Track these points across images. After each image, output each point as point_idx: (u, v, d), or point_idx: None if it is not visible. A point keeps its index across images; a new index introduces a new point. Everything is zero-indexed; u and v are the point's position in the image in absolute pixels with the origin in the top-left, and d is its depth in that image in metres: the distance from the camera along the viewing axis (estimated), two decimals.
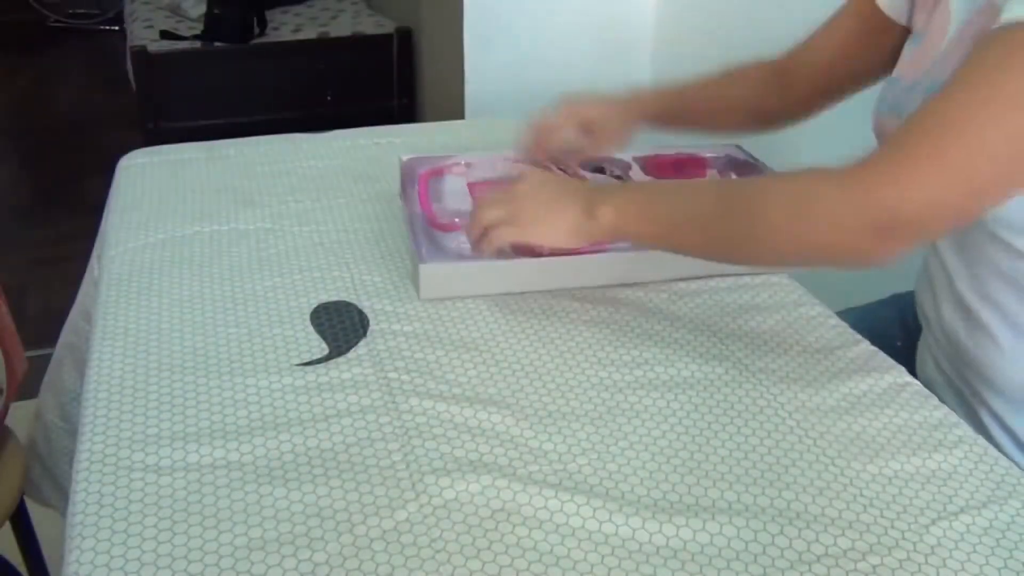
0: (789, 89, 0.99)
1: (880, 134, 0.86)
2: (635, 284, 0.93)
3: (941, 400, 0.86)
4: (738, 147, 1.10)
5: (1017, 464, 0.73)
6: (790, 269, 0.95)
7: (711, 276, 0.94)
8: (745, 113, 1.02)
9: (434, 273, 0.89)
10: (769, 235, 0.73)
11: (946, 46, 0.79)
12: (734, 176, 1.05)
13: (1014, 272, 0.75)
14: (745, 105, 1.02)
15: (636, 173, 1.03)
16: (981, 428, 0.81)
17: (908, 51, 0.85)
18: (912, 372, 0.87)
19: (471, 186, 1.00)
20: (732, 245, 0.77)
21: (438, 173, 1.02)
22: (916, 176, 0.66)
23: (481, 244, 0.84)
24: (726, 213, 0.75)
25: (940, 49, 0.79)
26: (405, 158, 1.06)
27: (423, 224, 0.95)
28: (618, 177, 1.03)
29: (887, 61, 0.87)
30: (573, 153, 1.01)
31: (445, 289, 0.90)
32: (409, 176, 1.04)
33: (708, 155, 1.07)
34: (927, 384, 0.89)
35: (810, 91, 0.98)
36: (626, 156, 1.06)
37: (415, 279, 0.91)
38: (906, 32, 0.87)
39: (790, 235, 0.72)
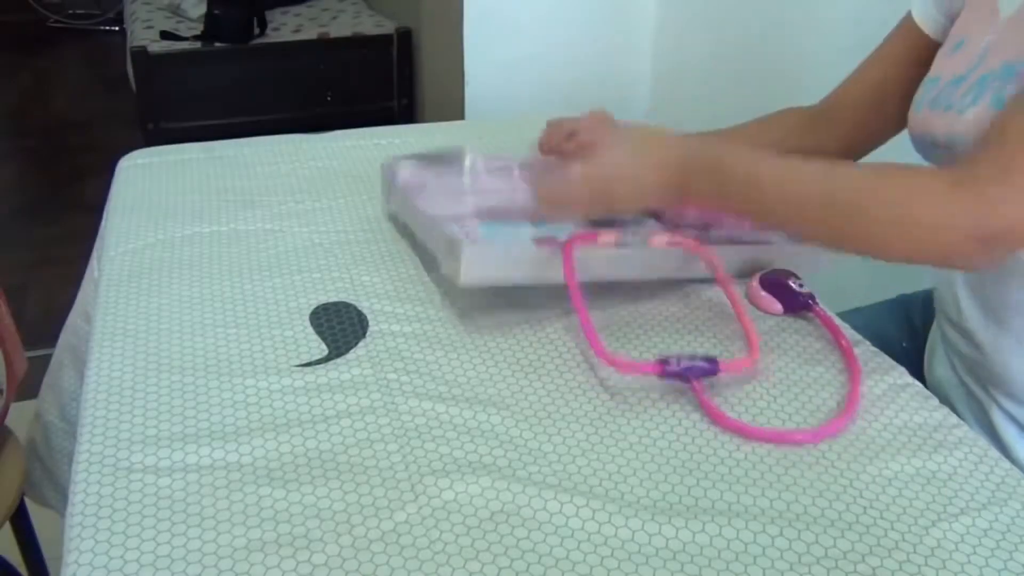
0: (829, 132, 0.96)
1: (923, 132, 0.84)
2: (635, 285, 0.93)
3: (951, 401, 0.86)
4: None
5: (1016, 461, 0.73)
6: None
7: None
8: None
9: (478, 255, 0.81)
10: (874, 233, 0.72)
11: (994, 39, 0.78)
12: None
13: None
14: (783, 148, 0.96)
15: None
16: (992, 430, 0.81)
17: (946, 54, 0.85)
18: (917, 373, 0.87)
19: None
20: (833, 235, 0.75)
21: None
22: (1019, 185, 0.66)
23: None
24: (829, 204, 0.73)
25: (986, 43, 0.79)
26: (391, 162, 1.00)
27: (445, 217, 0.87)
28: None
29: None
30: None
31: (486, 274, 0.83)
32: (392, 177, 0.99)
33: None
34: (937, 384, 0.89)
35: (854, 131, 0.95)
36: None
37: (449, 266, 0.83)
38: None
39: (896, 236, 0.71)
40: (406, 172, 0.99)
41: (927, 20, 0.90)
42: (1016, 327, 0.79)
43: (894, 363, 0.83)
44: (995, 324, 0.80)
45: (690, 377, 0.76)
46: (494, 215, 0.90)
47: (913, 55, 0.91)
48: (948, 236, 0.68)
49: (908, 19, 0.92)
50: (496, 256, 0.84)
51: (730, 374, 0.77)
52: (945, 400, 0.87)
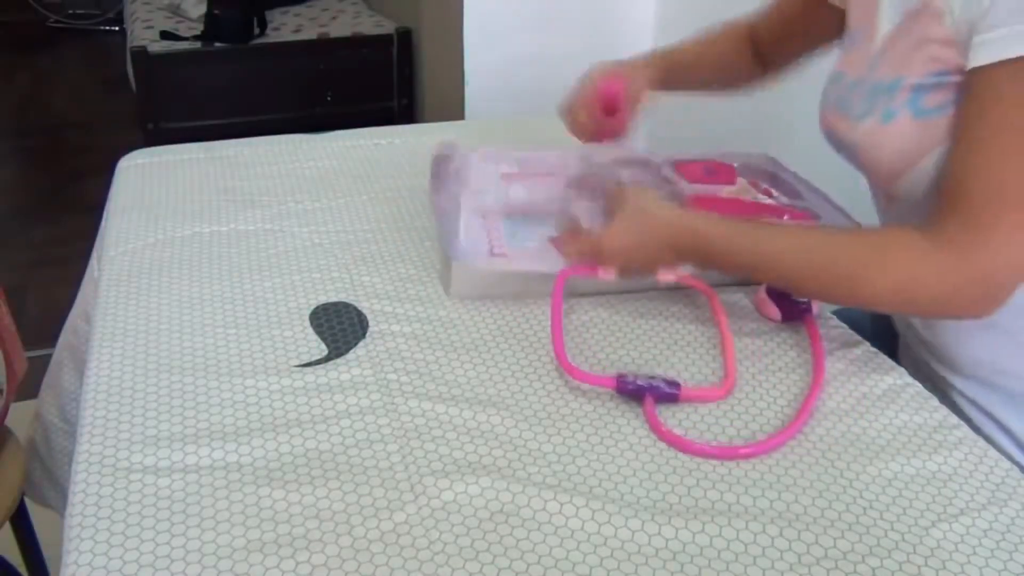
0: (756, 52, 1.07)
1: (829, 130, 0.87)
2: (666, 292, 0.92)
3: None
4: (768, 157, 1.06)
5: (990, 437, 0.76)
6: None
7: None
8: (728, 72, 1.10)
9: (467, 271, 0.87)
10: (870, 301, 0.77)
11: (881, 45, 0.80)
12: (766, 186, 1.01)
13: None
14: (727, 65, 1.09)
15: (668, 172, 1.00)
16: (958, 412, 0.82)
17: (847, 47, 0.87)
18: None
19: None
20: (818, 296, 0.84)
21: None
22: (1003, 239, 0.68)
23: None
24: (818, 276, 0.76)
25: (875, 48, 0.81)
26: (438, 149, 1.02)
27: (456, 222, 0.91)
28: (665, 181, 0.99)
29: (832, 35, 0.93)
30: (603, 143, 1.02)
31: (475, 288, 0.89)
32: (442, 166, 1.00)
33: (736, 164, 1.04)
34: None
35: (771, 56, 1.06)
36: (656, 158, 1.03)
37: (444, 276, 0.90)
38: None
39: (893, 305, 0.79)
40: (454, 161, 1.01)
41: None
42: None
43: (894, 364, 0.83)
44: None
45: (644, 395, 0.75)
46: (520, 210, 0.95)
47: (810, 13, 0.97)
48: (945, 303, 0.72)
49: None
50: (482, 275, 0.89)
51: (692, 402, 0.77)
52: None
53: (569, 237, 0.87)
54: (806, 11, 0.97)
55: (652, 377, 0.77)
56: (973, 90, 0.70)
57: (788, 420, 0.75)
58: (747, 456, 0.71)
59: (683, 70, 1.08)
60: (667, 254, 0.82)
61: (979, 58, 0.68)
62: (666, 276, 0.85)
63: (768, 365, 0.82)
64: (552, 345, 0.82)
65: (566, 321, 0.87)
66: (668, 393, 0.76)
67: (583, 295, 0.91)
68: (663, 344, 0.85)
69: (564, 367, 0.79)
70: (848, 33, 0.88)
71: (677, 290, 0.92)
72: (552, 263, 0.87)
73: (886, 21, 0.80)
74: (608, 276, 0.85)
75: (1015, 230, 0.68)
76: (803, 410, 0.75)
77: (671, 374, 0.80)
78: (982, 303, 0.71)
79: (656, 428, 0.73)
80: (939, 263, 0.70)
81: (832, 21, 0.92)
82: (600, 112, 1.00)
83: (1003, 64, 0.67)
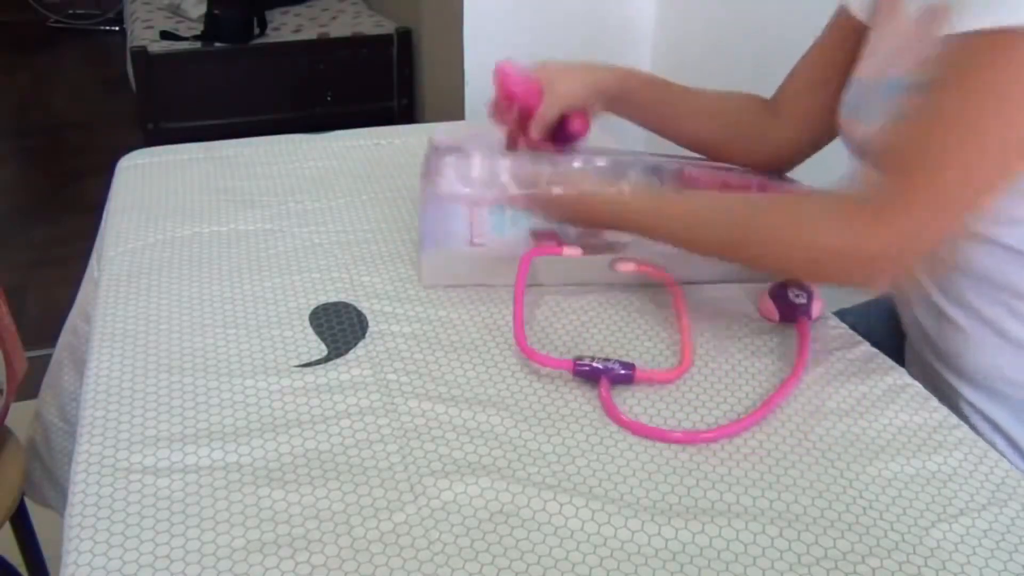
0: (776, 122, 0.96)
1: (847, 137, 0.86)
2: (634, 286, 0.93)
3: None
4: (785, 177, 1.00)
5: (994, 445, 0.75)
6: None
7: (714, 282, 0.94)
8: (730, 129, 0.98)
9: (435, 259, 0.90)
10: (769, 260, 0.76)
11: (900, 43, 0.79)
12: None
13: (972, 261, 0.77)
14: (731, 119, 0.98)
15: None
16: (966, 421, 0.82)
17: (865, 54, 0.86)
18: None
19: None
20: (736, 259, 0.79)
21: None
22: (924, 210, 0.68)
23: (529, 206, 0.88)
24: (731, 232, 0.76)
25: (892, 48, 0.80)
26: (435, 141, 0.99)
27: (435, 210, 0.91)
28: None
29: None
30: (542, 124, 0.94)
31: (445, 276, 0.91)
32: (436, 156, 0.97)
33: (753, 179, 0.97)
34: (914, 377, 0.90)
35: (797, 122, 0.94)
36: (669, 164, 0.98)
37: (419, 262, 0.92)
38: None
39: (800, 260, 0.74)
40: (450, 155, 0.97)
41: (857, 3, 0.88)
42: (958, 316, 0.80)
43: (894, 364, 0.83)
44: (938, 316, 0.82)
45: (599, 378, 0.77)
46: (509, 201, 0.93)
47: (848, 43, 0.88)
48: (849, 261, 0.70)
49: (840, 5, 0.90)
50: (452, 262, 0.91)
51: (648, 383, 0.78)
52: None
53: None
54: (843, 44, 0.89)
55: (608, 360, 0.78)
56: (929, 59, 0.69)
57: (750, 410, 0.75)
58: (692, 441, 0.72)
59: (666, 100, 0.99)
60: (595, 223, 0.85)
61: (940, 29, 0.68)
62: (626, 267, 0.88)
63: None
64: (513, 328, 0.83)
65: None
66: (623, 375, 0.77)
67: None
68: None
69: (523, 350, 0.80)
70: (867, 41, 0.86)
71: (645, 285, 0.92)
72: (519, 249, 0.87)
73: (904, 20, 0.79)
74: (573, 253, 0.87)
75: (939, 203, 0.67)
76: (767, 403, 0.75)
77: (631, 359, 0.80)
78: (889, 272, 0.71)
79: (611, 411, 0.74)
80: (859, 221, 0.69)
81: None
82: (514, 116, 0.94)
83: (951, 37, 0.66)
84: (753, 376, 0.80)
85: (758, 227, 0.75)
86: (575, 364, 0.78)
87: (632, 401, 0.76)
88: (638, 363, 0.79)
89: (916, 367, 0.88)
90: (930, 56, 0.70)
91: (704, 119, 0.99)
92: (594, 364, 0.78)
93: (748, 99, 0.99)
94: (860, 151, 0.84)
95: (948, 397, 0.84)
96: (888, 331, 0.97)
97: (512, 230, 0.91)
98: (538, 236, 0.89)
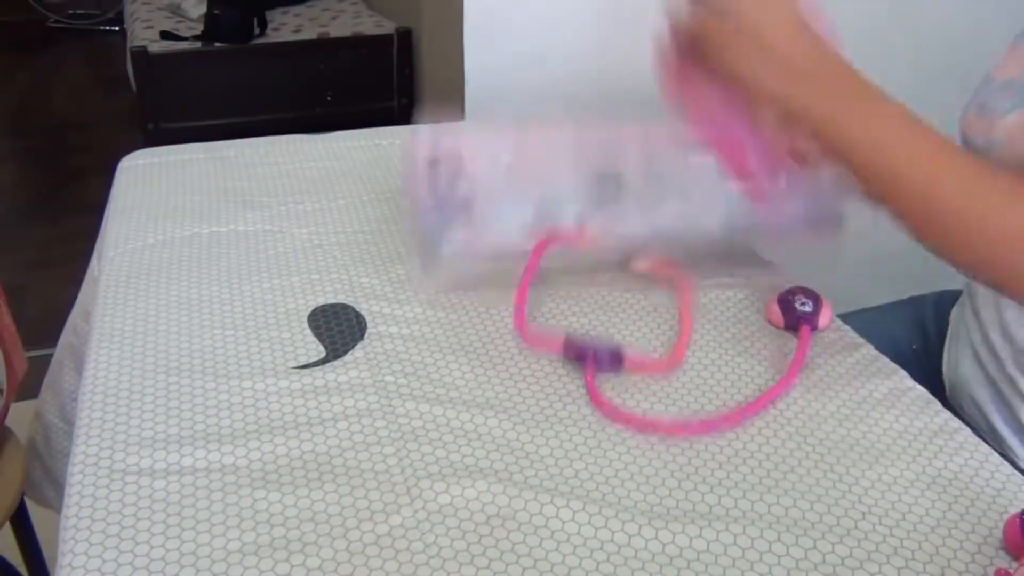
0: None
1: (963, 135, 0.83)
2: (644, 283, 0.92)
3: (977, 400, 0.86)
4: None
5: None
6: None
7: (724, 285, 0.93)
8: None
9: (441, 269, 0.88)
10: (953, 240, 0.64)
11: None
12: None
13: None
14: None
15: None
16: (1019, 427, 0.81)
17: (1005, 55, 0.83)
18: (928, 375, 0.86)
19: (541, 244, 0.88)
20: (913, 228, 0.66)
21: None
22: None
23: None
24: (943, 208, 0.64)
25: None
26: (413, 139, 0.94)
27: (436, 219, 0.89)
28: None
29: None
30: None
31: (450, 285, 0.90)
32: (415, 161, 0.93)
33: None
34: (960, 382, 0.89)
35: None
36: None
37: (427, 267, 0.90)
38: None
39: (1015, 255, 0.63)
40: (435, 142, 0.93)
41: None
42: None
43: (896, 367, 0.82)
44: None
45: (586, 359, 0.78)
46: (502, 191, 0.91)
47: None
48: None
49: None
50: (459, 271, 0.89)
51: (638, 372, 0.79)
52: (970, 399, 0.87)
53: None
54: None
55: (599, 343, 0.79)
56: None
57: (730, 409, 0.76)
58: (676, 432, 0.72)
59: None
60: (795, 62, 0.64)
61: None
62: (641, 266, 0.87)
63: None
64: (514, 308, 0.84)
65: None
66: (610, 359, 0.78)
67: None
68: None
69: (518, 327, 0.82)
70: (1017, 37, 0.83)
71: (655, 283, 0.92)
72: (529, 241, 0.86)
73: None
74: (590, 246, 0.86)
75: None
76: (749, 406, 0.75)
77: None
78: None
79: (592, 394, 0.76)
80: None
81: None
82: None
83: None
84: (743, 377, 0.80)
85: (975, 203, 0.62)
86: (565, 343, 0.79)
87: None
88: (629, 353, 0.79)
89: (973, 367, 0.86)
90: None
91: None
92: (583, 345, 0.79)
93: None
94: (982, 148, 0.80)
95: (1009, 402, 0.83)
96: (909, 334, 0.96)
97: (517, 228, 0.88)
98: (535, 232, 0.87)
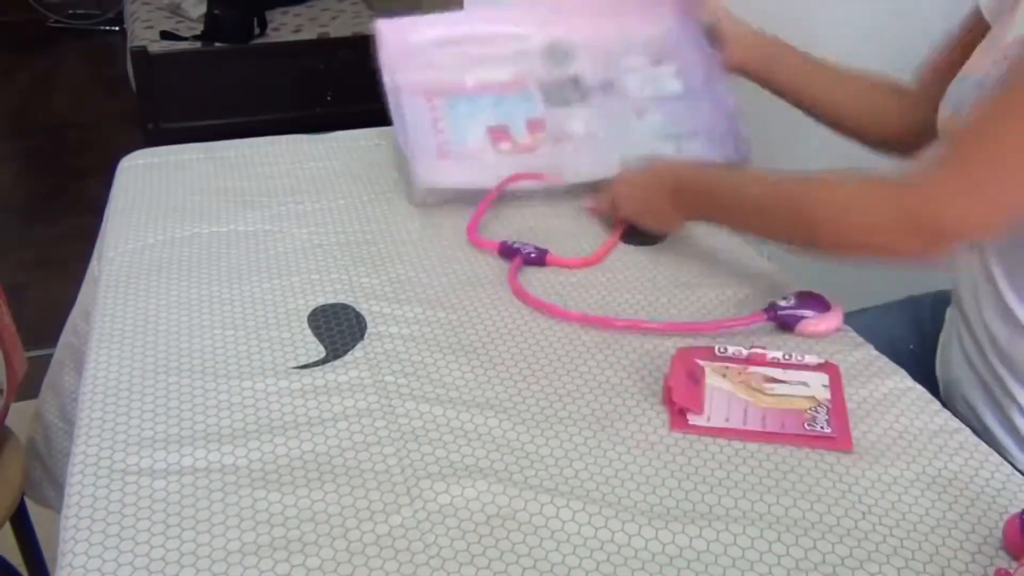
0: (911, 100, 0.98)
1: (943, 133, 0.85)
2: (634, 287, 0.92)
3: (969, 401, 0.86)
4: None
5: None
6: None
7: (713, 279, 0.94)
8: (867, 105, 1.02)
9: (426, 174, 1.03)
10: (818, 233, 0.78)
11: (1011, 42, 0.78)
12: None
13: None
14: (869, 97, 1.02)
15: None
16: (1012, 427, 0.81)
17: (979, 48, 0.85)
18: (926, 375, 0.86)
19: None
20: (783, 237, 0.84)
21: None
22: (967, 185, 0.69)
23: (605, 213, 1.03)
24: (777, 209, 0.82)
25: (1005, 46, 0.79)
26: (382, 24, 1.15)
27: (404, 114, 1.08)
28: None
29: None
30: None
31: (431, 196, 1.04)
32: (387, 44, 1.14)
33: None
34: (954, 383, 0.88)
35: (932, 107, 0.92)
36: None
37: (406, 179, 1.07)
38: None
39: (834, 235, 0.77)
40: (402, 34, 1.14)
41: (985, 2, 0.87)
42: None
43: (896, 367, 0.82)
44: (1013, 324, 0.80)
45: (513, 256, 0.94)
46: (464, 91, 1.09)
47: (976, 40, 0.87)
48: (883, 236, 0.73)
49: (975, 2, 0.89)
50: (436, 182, 1.04)
51: (558, 267, 0.95)
52: (962, 400, 0.87)
53: (597, 199, 1.04)
54: (969, 44, 0.88)
55: (526, 244, 0.95)
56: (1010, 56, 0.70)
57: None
58: (581, 322, 0.85)
59: (807, 68, 1.04)
60: (667, 200, 0.93)
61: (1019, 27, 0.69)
62: (587, 203, 1.06)
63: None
64: (469, 220, 1.00)
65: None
66: (537, 255, 0.94)
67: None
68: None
69: (469, 234, 0.98)
70: (985, 40, 0.85)
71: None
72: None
73: (1020, 24, 0.78)
74: (556, 181, 1.05)
75: (990, 189, 0.68)
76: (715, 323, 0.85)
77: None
78: (927, 246, 0.71)
79: (513, 284, 0.90)
80: (900, 196, 0.72)
81: None
82: None
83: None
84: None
85: (808, 205, 0.78)
86: (500, 246, 0.95)
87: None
88: (553, 252, 0.95)
89: (964, 367, 0.87)
90: (1008, 55, 0.72)
91: (844, 92, 1.03)
92: (514, 245, 0.95)
93: (883, 79, 1.03)
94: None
95: (1000, 402, 0.83)
96: (907, 334, 0.96)
97: (473, 130, 1.06)
98: (494, 132, 1.06)
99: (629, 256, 0.99)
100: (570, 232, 1.03)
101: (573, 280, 0.94)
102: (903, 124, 0.99)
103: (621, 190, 0.99)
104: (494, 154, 1.07)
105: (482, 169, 1.05)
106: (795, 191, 0.80)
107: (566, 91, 1.11)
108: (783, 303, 0.86)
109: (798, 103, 1.06)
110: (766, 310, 0.86)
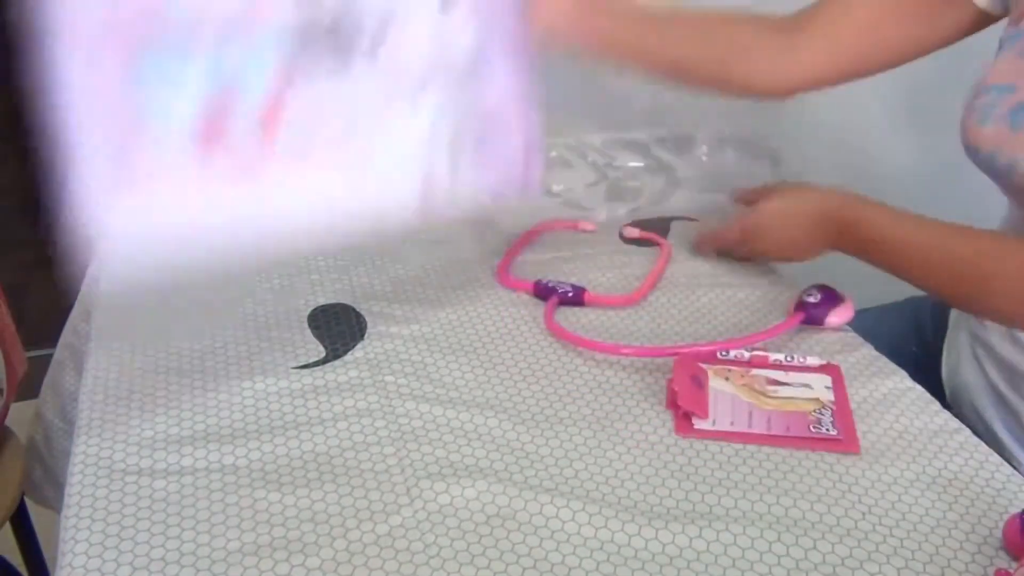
0: (797, 47, 0.85)
1: (967, 144, 0.78)
2: (633, 289, 0.92)
3: (977, 406, 0.85)
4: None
5: None
6: None
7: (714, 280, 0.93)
8: (728, 50, 0.86)
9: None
10: (985, 300, 0.76)
11: None
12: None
13: None
14: (730, 39, 0.87)
15: None
16: (1022, 430, 0.81)
17: (1007, 55, 0.77)
18: (928, 376, 0.85)
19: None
20: (946, 293, 0.81)
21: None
22: None
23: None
24: (945, 265, 0.77)
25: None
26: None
27: None
28: None
29: (946, 38, 0.82)
30: None
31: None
32: None
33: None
34: (963, 388, 0.88)
35: (830, 55, 0.85)
36: None
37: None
38: (982, 18, 0.80)
39: (1010, 305, 0.74)
40: None
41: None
42: None
43: (896, 367, 0.82)
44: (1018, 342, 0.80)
45: (549, 296, 0.89)
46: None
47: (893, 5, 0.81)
48: None
49: None
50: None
51: (598, 306, 0.89)
52: (970, 405, 0.87)
53: (710, 236, 0.96)
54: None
55: (562, 283, 0.90)
56: None
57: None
58: (629, 354, 0.81)
59: (647, 19, 0.85)
60: (825, 241, 0.84)
61: None
62: (631, 232, 1.02)
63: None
64: (498, 265, 0.95)
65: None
66: (574, 294, 0.88)
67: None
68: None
69: (499, 275, 0.93)
70: (1011, 36, 0.77)
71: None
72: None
73: None
74: (587, 227, 1.02)
75: None
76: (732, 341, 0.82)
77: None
78: None
79: (549, 323, 0.85)
80: None
81: (954, 20, 0.81)
82: None
83: None
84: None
85: (983, 268, 0.74)
86: (535, 285, 0.90)
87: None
88: (591, 291, 0.89)
89: (973, 373, 0.86)
90: None
91: (697, 39, 0.87)
92: (549, 284, 0.89)
93: (750, 17, 0.87)
94: (1000, 164, 0.75)
95: (1009, 407, 0.82)
96: (909, 335, 0.96)
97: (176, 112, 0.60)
98: (207, 122, 0.59)
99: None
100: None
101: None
102: (788, 66, 0.86)
103: (764, 222, 0.89)
104: (199, 170, 0.60)
105: (180, 207, 0.59)
106: (966, 251, 0.75)
107: (320, 47, 0.63)
108: (810, 299, 0.86)
109: (650, 70, 0.88)
110: (798, 309, 0.86)
